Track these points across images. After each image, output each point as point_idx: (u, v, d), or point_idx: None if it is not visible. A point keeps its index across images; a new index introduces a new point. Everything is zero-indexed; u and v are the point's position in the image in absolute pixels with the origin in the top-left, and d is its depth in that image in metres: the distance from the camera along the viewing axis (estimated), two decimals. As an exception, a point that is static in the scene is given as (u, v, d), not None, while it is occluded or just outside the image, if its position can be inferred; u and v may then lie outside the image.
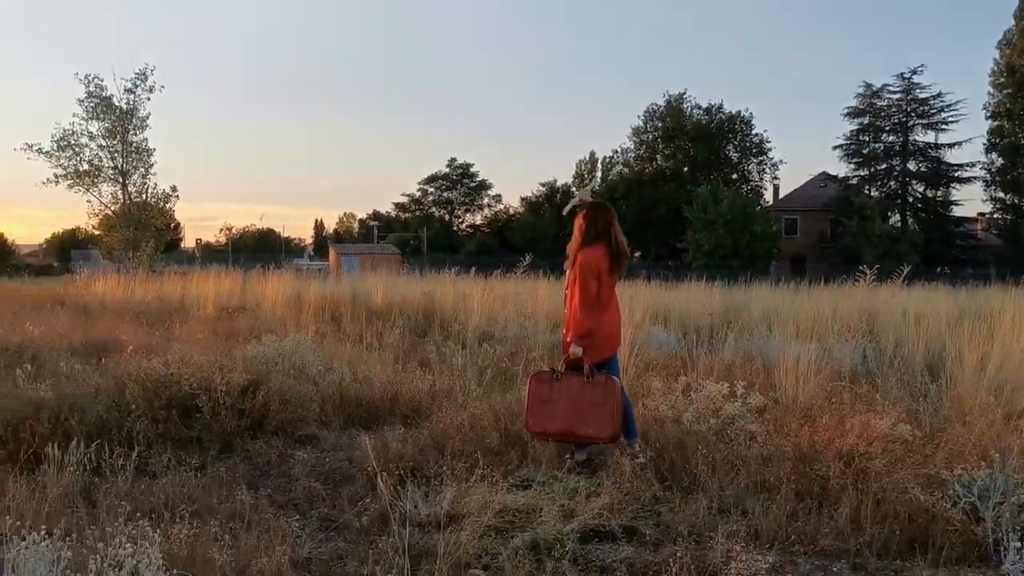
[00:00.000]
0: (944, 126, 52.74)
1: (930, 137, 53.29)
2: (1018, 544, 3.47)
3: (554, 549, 4.10)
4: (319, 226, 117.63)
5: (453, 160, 67.28)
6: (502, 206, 67.56)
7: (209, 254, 59.75)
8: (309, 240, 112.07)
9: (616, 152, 61.77)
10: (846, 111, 54.17)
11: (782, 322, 13.09)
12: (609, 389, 5.49)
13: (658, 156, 59.08)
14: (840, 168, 56.89)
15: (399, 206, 70.13)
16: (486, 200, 67.97)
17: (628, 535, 4.31)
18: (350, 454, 5.94)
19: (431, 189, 67.63)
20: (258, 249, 63.79)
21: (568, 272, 5.90)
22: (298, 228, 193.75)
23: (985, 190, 52.91)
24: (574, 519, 4.41)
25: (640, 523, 4.44)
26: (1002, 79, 51.32)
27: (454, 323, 13.29)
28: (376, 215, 79.42)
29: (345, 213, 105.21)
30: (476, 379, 7.97)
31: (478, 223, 67.74)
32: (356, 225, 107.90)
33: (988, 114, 52.44)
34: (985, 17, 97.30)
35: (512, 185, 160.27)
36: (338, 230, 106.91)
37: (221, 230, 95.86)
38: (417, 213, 68.54)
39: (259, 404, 6.50)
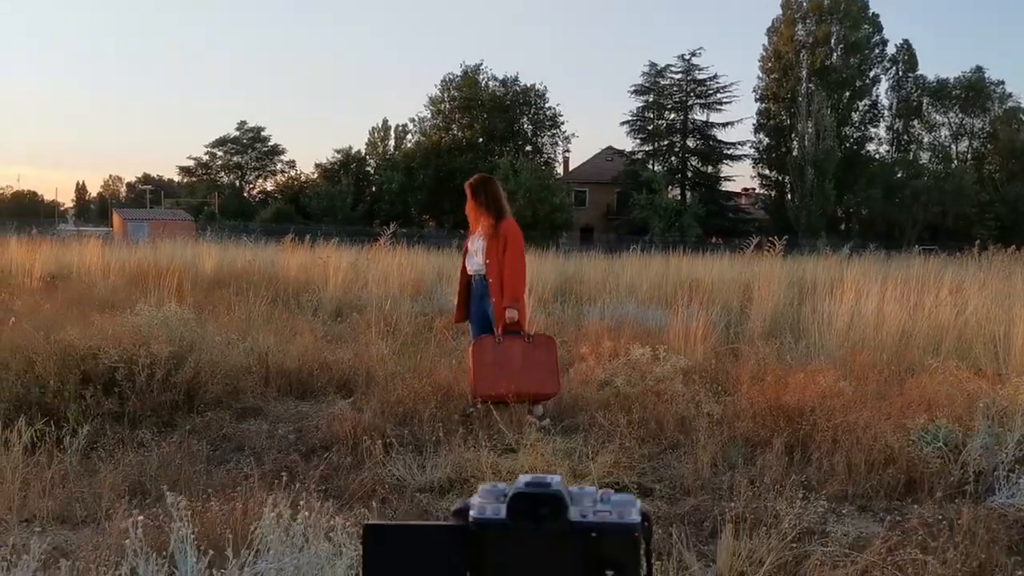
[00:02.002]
0: (719, 106, 56.51)
1: (707, 116, 57.01)
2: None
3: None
4: (81, 189, 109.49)
5: (243, 123, 64.42)
6: (296, 172, 65.54)
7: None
8: (70, 204, 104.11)
9: (413, 121, 61.53)
10: (632, 89, 56.85)
11: (625, 290, 13.87)
12: (550, 348, 5.90)
13: (454, 126, 59.40)
14: (626, 143, 59.70)
15: (184, 170, 66.39)
16: (279, 166, 65.70)
17: (640, 492, 4.55)
18: (300, 425, 5.82)
19: (220, 153, 64.42)
20: (18, 214, 58.30)
21: (482, 242, 6.06)
22: (57, 192, 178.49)
23: (754, 167, 57.51)
24: (585, 479, 4.59)
25: (645, 480, 4.69)
26: (770, 64, 55.64)
27: (304, 293, 13.02)
28: (147, 178, 74.84)
29: (111, 176, 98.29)
30: (390, 349, 7.94)
31: (270, 190, 65.34)
32: (124, 189, 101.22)
33: (757, 96, 56.80)
34: (757, 4, 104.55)
35: (307, 151, 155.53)
36: (103, 194, 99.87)
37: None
38: (204, 178, 65.11)
39: (188, 376, 6.19)
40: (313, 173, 62.16)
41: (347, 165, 60.15)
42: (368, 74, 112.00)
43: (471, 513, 0.78)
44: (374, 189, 59.84)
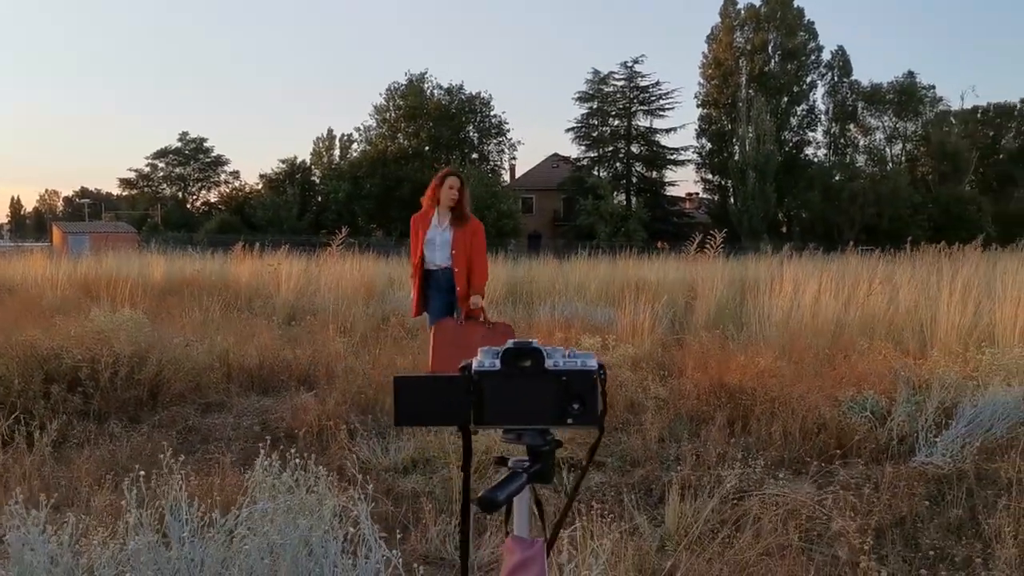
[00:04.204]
0: (662, 112, 57.42)
1: (650, 122, 57.87)
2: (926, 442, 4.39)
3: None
4: (16, 204, 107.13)
5: (185, 134, 63.72)
6: (240, 183, 64.94)
7: None
8: (5, 219, 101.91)
9: (358, 130, 61.48)
10: (577, 96, 57.50)
11: (575, 290, 14.22)
12: (508, 334, 6.16)
13: (400, 135, 59.48)
14: (571, 150, 60.34)
15: (125, 182, 65.35)
16: (223, 177, 65.05)
17: (593, 466, 4.84)
18: (264, 417, 6.01)
19: (161, 164, 63.62)
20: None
21: (450, 234, 6.32)
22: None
23: (697, 172, 58.49)
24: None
25: (597, 455, 4.98)
26: (710, 71, 56.67)
27: (256, 299, 13.16)
28: (85, 192, 73.41)
29: (48, 190, 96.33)
30: (347, 346, 8.15)
31: (214, 201, 64.63)
32: (61, 203, 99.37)
33: (699, 102, 57.80)
34: (697, 12, 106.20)
35: (250, 162, 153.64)
36: (39, 209, 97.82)
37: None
38: (146, 190, 64.23)
39: (152, 374, 6.34)
40: (258, 183, 61.75)
41: (292, 175, 59.84)
42: (312, 84, 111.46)
43: (473, 366, 1.05)
44: (320, 199, 59.61)
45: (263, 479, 2.43)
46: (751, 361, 6.08)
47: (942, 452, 4.40)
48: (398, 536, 3.29)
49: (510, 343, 1.06)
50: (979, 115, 59.17)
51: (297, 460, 2.63)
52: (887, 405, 5.02)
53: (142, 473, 2.59)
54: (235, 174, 65.60)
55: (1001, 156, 58.34)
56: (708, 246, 11.14)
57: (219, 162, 64.59)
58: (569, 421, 1.06)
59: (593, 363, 1.07)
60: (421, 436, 5.19)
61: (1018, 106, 59.19)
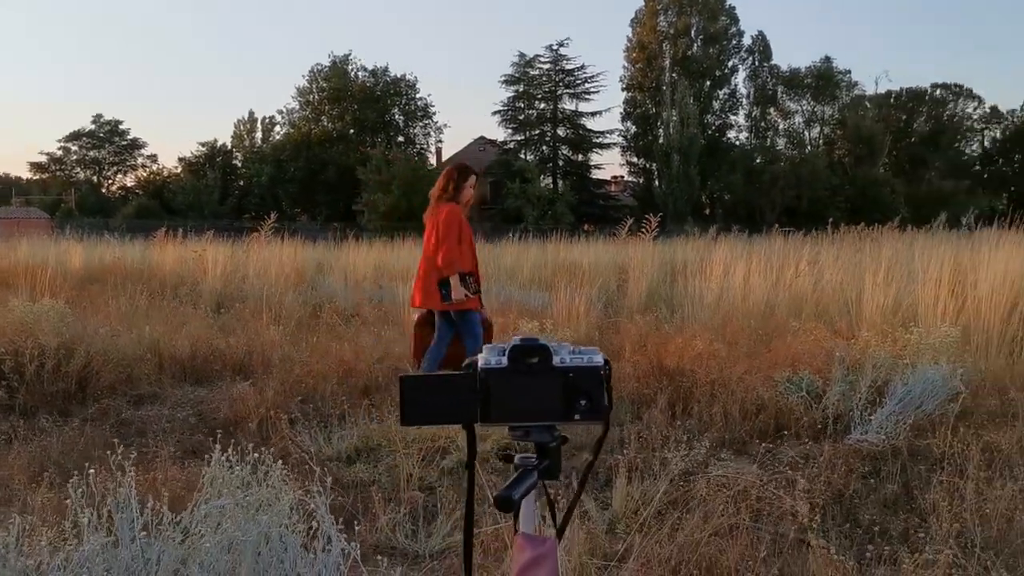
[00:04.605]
0: (587, 96, 57.76)
1: (576, 106, 58.13)
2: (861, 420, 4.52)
3: (481, 467, 4.55)
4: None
5: (99, 116, 61.69)
6: (158, 167, 63.22)
7: None
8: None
9: (281, 112, 60.46)
10: (503, 79, 57.41)
11: (507, 274, 14.27)
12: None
13: (324, 117, 58.63)
14: (498, 133, 60.29)
15: (36, 166, 63.04)
16: (140, 160, 63.22)
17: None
18: (200, 408, 5.88)
19: (74, 148, 61.51)
20: None
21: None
22: None
23: (622, 155, 59.03)
24: (487, 441, 4.87)
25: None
26: (635, 54, 57.15)
27: (182, 286, 12.88)
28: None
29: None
30: (282, 335, 8.02)
31: (131, 185, 62.83)
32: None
33: (624, 86, 58.28)
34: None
35: (169, 145, 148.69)
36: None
37: None
38: (59, 174, 62.06)
39: (80, 366, 6.15)
40: (177, 167, 60.26)
41: (213, 158, 58.57)
42: (232, 65, 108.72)
43: (479, 364, 1.04)
44: (242, 183, 58.48)
45: (219, 474, 2.38)
46: (688, 343, 6.18)
47: (876, 429, 4.55)
48: (355, 527, 3.26)
49: (517, 340, 1.05)
50: (892, 99, 60.94)
51: (256, 455, 2.58)
52: (822, 385, 5.16)
53: (91, 471, 2.51)
54: (153, 157, 63.96)
55: (913, 139, 60.21)
56: (644, 229, 11.25)
57: (135, 145, 62.82)
58: (576, 417, 1.06)
59: (599, 359, 1.07)
60: (364, 425, 5.15)
61: (929, 91, 61.14)
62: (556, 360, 1.05)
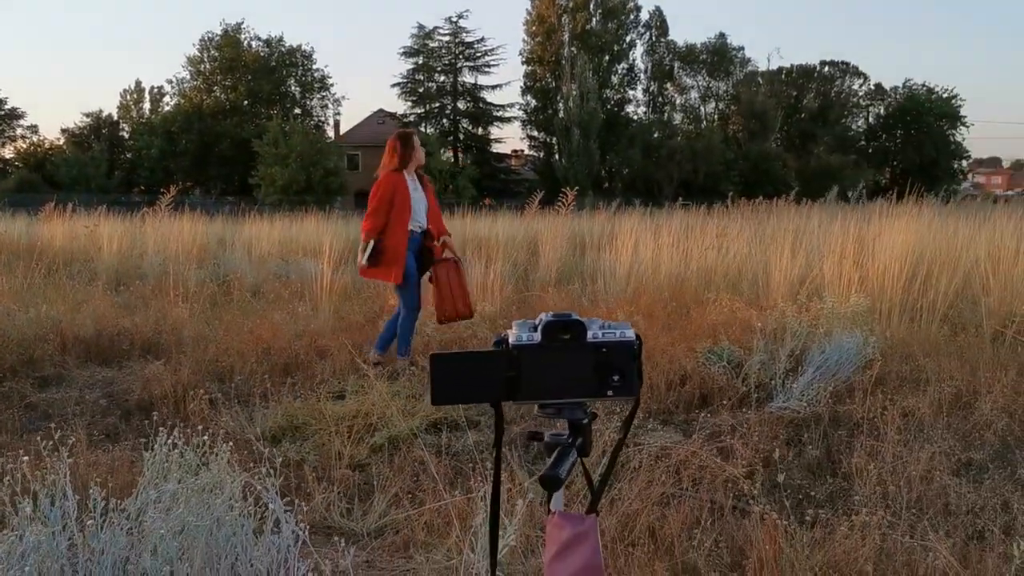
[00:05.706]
0: (487, 69, 57.73)
1: (476, 79, 57.92)
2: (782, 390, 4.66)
3: (409, 442, 4.52)
4: None
5: (-29, 85, 58.32)
6: (39, 138, 60.17)
7: None
8: None
9: (171, 82, 58.34)
10: (402, 51, 56.77)
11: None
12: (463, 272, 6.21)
13: (216, 88, 56.85)
14: (398, 106, 59.61)
15: (-98, 136, 59.18)
16: (19, 131, 60.05)
17: (470, 425, 4.85)
18: (110, 389, 5.66)
19: (-54, 118, 58.03)
20: None
21: (423, 196, 6.21)
22: None
23: (522, 128, 59.21)
24: (415, 417, 4.84)
25: (470, 413, 5.00)
26: (534, 28, 57.25)
27: (75, 263, 12.36)
28: None
29: None
30: (190, 312, 7.77)
31: (9, 157, 59.63)
32: None
33: (524, 59, 58.34)
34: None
35: (50, 116, 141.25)
36: None
37: None
38: (-72, 146, 58.55)
39: (-26, 348, 5.84)
40: (59, 139, 57.52)
41: (98, 130, 56.19)
42: (116, 31, 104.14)
43: (510, 340, 1.02)
44: (130, 155, 56.27)
45: (166, 457, 2.28)
46: (608, 315, 6.25)
47: (798, 397, 4.69)
48: (291, 507, 3.19)
49: (550, 315, 1.03)
50: (783, 76, 62.72)
51: (205, 438, 2.49)
52: (742, 354, 5.29)
53: (25, 458, 2.37)
54: (33, 128, 60.94)
55: (803, 115, 62.16)
56: (561, 203, 11.29)
57: (14, 115, 59.59)
58: (609, 393, 1.05)
59: (631, 334, 1.06)
60: (288, 403, 5.04)
61: (818, 68, 63.12)
62: (589, 335, 1.03)
